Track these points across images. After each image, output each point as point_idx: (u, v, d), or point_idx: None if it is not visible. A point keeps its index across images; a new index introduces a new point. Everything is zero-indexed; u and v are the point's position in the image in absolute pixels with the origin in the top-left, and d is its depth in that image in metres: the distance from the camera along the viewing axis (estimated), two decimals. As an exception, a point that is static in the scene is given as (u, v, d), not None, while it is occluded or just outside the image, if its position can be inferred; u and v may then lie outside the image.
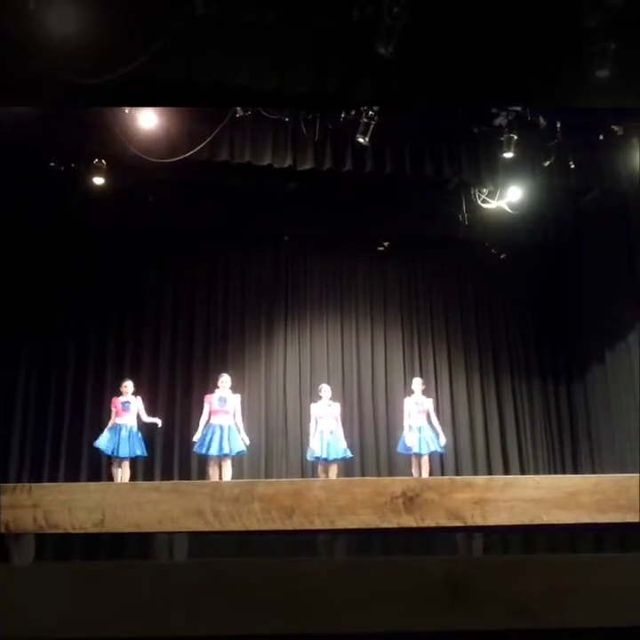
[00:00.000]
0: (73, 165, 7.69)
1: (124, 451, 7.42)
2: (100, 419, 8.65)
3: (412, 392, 8.19)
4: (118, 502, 4.99)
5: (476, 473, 8.97)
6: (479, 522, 5.07)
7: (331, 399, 7.98)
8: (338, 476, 7.63)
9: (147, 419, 7.72)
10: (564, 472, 9.24)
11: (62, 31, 4.85)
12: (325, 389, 7.99)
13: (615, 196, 8.37)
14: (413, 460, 7.91)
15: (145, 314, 9.28)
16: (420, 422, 7.89)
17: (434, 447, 7.88)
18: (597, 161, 7.75)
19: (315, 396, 8.20)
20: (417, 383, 8.20)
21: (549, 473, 9.13)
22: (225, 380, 7.64)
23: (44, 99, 5.30)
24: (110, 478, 7.57)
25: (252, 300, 9.57)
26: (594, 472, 8.68)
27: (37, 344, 8.73)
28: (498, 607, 0.98)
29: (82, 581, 0.99)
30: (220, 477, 7.21)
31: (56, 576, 1.01)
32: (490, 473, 8.99)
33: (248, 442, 7.54)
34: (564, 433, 9.73)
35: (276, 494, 5.24)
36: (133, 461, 7.74)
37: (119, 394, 7.81)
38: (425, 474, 7.58)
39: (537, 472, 9.17)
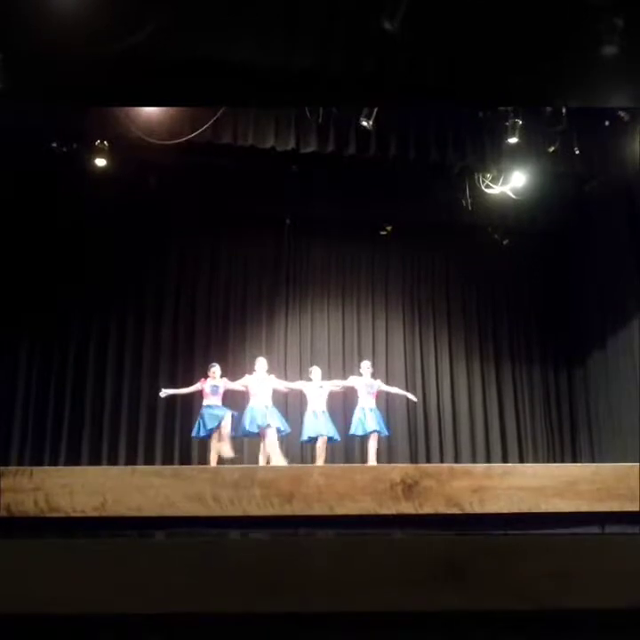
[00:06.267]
0: (74, 146, 7.64)
1: (227, 428, 7.30)
2: (101, 402, 8.69)
3: (360, 375, 8.15)
4: (119, 486, 5.02)
5: (474, 461, 9.00)
6: (477, 509, 5.11)
7: (322, 380, 7.99)
8: (326, 455, 7.71)
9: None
10: (563, 460, 9.26)
11: (61, 4, 4.76)
12: (316, 371, 8.01)
13: (620, 183, 8.32)
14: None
15: (146, 297, 9.28)
16: (371, 404, 7.91)
17: (376, 427, 7.78)
18: (602, 147, 7.69)
19: (306, 378, 8.21)
20: (365, 366, 8.21)
21: (549, 461, 9.15)
22: (262, 364, 7.76)
23: (43, 87, 5.22)
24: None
25: (253, 283, 9.56)
26: (593, 460, 8.69)
27: (38, 327, 8.73)
28: (498, 588, 0.98)
29: (82, 558, 1.00)
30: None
31: (57, 552, 1.02)
32: (489, 461, 9.01)
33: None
34: (563, 420, 9.75)
35: (276, 480, 5.28)
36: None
37: (206, 376, 7.61)
38: (371, 458, 7.63)
39: (536, 460, 9.20)
